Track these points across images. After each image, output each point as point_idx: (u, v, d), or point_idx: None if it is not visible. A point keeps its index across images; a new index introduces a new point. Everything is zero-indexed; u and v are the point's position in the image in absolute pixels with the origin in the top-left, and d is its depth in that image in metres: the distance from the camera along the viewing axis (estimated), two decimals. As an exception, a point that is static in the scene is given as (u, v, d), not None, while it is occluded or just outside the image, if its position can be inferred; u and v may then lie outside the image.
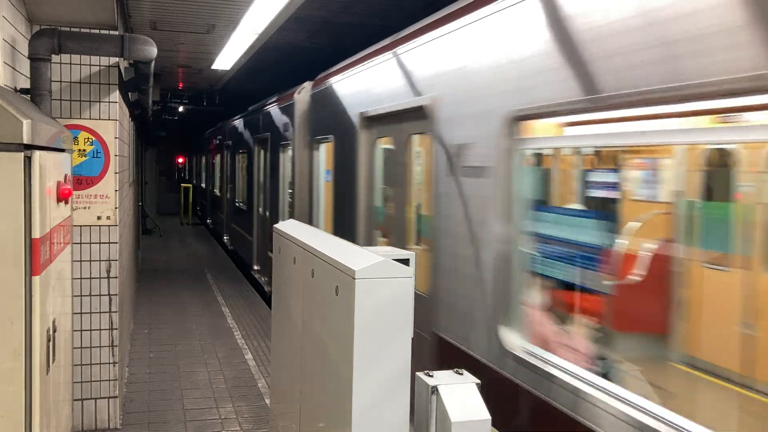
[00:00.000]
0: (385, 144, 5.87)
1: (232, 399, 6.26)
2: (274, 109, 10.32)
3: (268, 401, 6.03)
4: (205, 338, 8.38)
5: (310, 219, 8.19)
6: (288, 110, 9.04)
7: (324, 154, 7.79)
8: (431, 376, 2.70)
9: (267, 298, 10.45)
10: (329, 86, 7.24)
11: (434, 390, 2.63)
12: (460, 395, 2.62)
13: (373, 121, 5.85)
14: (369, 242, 5.98)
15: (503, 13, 3.69)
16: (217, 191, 20.22)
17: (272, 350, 4.55)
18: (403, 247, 4.76)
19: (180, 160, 33.52)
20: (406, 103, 4.99)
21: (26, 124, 2.47)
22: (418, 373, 2.73)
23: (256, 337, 8.46)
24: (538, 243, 3.63)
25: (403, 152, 5.28)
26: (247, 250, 12.94)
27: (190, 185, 25.95)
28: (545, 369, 3.20)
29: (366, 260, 2.66)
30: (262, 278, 11.14)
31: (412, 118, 4.98)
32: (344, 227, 6.46)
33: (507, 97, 3.54)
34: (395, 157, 5.51)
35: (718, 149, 3.72)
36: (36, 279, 2.55)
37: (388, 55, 5.49)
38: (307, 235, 3.68)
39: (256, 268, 11.85)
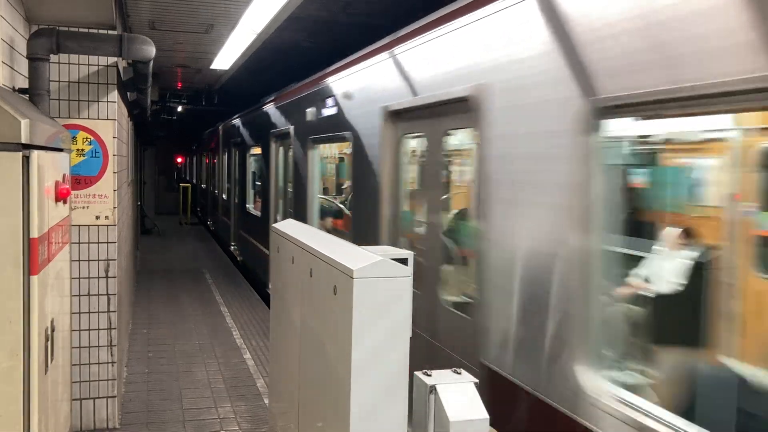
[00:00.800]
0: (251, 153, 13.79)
1: (230, 399, 6.26)
2: (215, 131, 20.12)
3: (266, 401, 6.04)
4: (203, 338, 8.38)
5: (223, 188, 17.62)
6: (216, 133, 19.21)
7: (228, 157, 16.63)
8: (429, 375, 2.70)
9: (211, 231, 20.50)
10: (227, 125, 17.00)
11: (432, 389, 2.63)
12: (458, 394, 2.62)
13: (239, 145, 14.42)
14: (244, 199, 13.63)
15: None
16: (195, 181, 29.44)
17: (271, 350, 4.56)
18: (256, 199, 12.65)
19: (179, 159, 33.49)
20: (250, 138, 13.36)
21: (24, 123, 2.47)
22: (416, 373, 2.73)
23: (254, 337, 8.46)
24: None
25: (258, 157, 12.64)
26: (209, 214, 22.70)
27: (189, 185, 25.95)
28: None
29: (364, 260, 2.66)
30: (214, 226, 20.41)
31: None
32: (235, 191, 14.90)
33: None
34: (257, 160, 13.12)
35: None
36: (34, 278, 2.55)
37: (252, 111, 12.91)
38: (305, 234, 3.68)
39: (210, 224, 21.72)
